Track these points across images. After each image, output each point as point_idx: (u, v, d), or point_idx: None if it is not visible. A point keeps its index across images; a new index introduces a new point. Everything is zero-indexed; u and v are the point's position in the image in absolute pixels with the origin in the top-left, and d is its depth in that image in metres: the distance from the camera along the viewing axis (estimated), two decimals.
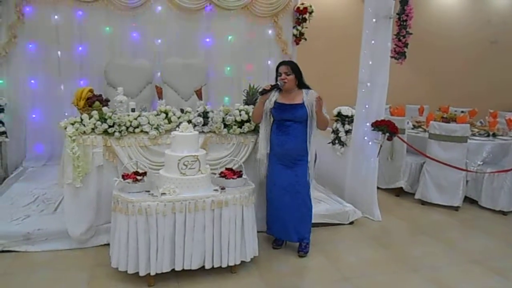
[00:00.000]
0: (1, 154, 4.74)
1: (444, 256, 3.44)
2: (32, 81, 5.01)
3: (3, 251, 3.10)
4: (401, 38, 3.90)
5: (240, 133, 3.46)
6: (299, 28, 5.96)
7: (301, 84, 3.19)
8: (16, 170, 4.82)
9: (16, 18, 4.77)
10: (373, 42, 3.96)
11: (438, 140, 4.53)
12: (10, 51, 4.80)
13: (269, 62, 5.97)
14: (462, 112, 6.12)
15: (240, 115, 3.44)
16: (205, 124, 3.41)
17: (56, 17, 4.97)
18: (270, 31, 5.94)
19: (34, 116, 5.06)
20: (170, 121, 3.36)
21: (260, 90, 3.14)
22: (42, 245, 3.18)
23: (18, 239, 3.14)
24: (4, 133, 4.64)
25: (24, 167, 4.89)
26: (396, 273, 3.11)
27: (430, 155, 4.55)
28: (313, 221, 3.39)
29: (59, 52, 5.04)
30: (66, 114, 4.86)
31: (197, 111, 3.45)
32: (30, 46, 4.93)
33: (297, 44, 6.08)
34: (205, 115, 3.41)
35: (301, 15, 5.91)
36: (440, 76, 7.98)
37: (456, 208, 4.55)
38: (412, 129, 5.42)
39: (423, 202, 4.69)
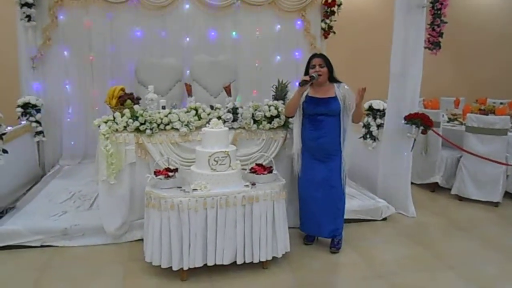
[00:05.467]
0: (38, 152, 4.92)
1: (482, 254, 3.30)
2: (67, 81, 5.17)
3: (42, 246, 3.22)
4: (435, 27, 3.75)
5: (270, 128, 3.45)
6: (328, 21, 5.85)
7: (332, 78, 3.16)
8: (53, 168, 5.00)
9: (50, 21, 4.93)
10: (405, 32, 3.83)
11: (476, 133, 4.35)
12: (45, 53, 4.96)
13: (297, 56, 5.91)
14: (501, 103, 5.85)
15: (270, 110, 3.41)
16: (234, 120, 3.40)
17: (87, 18, 5.10)
18: (298, 26, 5.87)
19: (69, 115, 5.22)
20: (200, 118, 3.38)
21: (300, 81, 3.07)
22: (79, 240, 3.28)
23: (56, 234, 3.25)
24: (41, 132, 4.81)
25: (60, 165, 5.06)
26: (431, 271, 3.01)
27: (467, 149, 4.37)
28: (345, 217, 3.33)
29: (91, 53, 5.18)
30: (97, 108, 5.09)
31: (227, 107, 3.45)
32: (64, 47, 5.09)
33: (326, 37, 5.97)
34: (234, 111, 3.41)
35: (329, 8, 5.79)
36: (477, 67, 7.66)
37: (496, 204, 4.36)
38: (448, 122, 5.24)
39: (460, 198, 4.53)
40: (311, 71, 3.11)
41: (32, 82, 4.93)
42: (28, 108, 4.68)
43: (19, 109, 4.66)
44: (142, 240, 3.09)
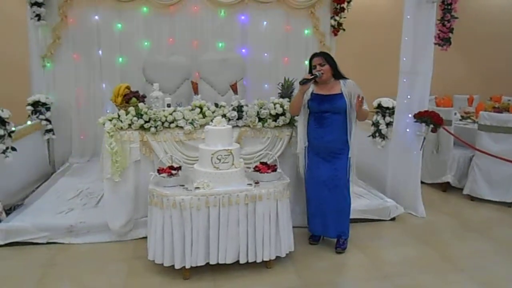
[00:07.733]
0: (48, 150, 4.97)
1: (494, 256, 3.20)
2: (76, 80, 5.18)
3: (48, 243, 3.24)
4: (446, 23, 3.65)
5: (275, 126, 3.41)
6: (337, 18, 5.76)
7: (337, 74, 3.10)
8: (63, 165, 5.04)
9: (60, 20, 4.95)
10: (415, 28, 3.75)
11: (489, 132, 4.24)
12: (55, 51, 5.00)
13: (306, 54, 5.84)
14: None
15: (275, 108, 3.37)
16: (239, 118, 3.38)
17: (96, 17, 5.13)
18: (307, 23, 5.80)
19: (78, 114, 5.25)
20: (204, 116, 3.35)
21: (300, 80, 3.02)
22: (84, 237, 3.30)
23: (62, 231, 3.27)
24: (51, 130, 4.86)
25: (70, 163, 5.10)
26: (440, 273, 2.93)
27: (480, 148, 4.26)
28: (352, 216, 3.29)
29: (100, 51, 5.20)
30: (108, 111, 5.01)
31: (232, 105, 3.42)
32: (73, 46, 5.10)
33: (335, 35, 5.88)
34: (239, 109, 3.38)
35: (339, 4, 5.71)
36: (491, 64, 7.45)
37: (509, 205, 4.25)
38: (460, 120, 5.11)
39: (473, 198, 4.42)
40: (313, 71, 3.07)
41: (42, 80, 4.98)
42: (38, 106, 4.74)
43: (29, 107, 4.71)
44: (146, 238, 3.07)
